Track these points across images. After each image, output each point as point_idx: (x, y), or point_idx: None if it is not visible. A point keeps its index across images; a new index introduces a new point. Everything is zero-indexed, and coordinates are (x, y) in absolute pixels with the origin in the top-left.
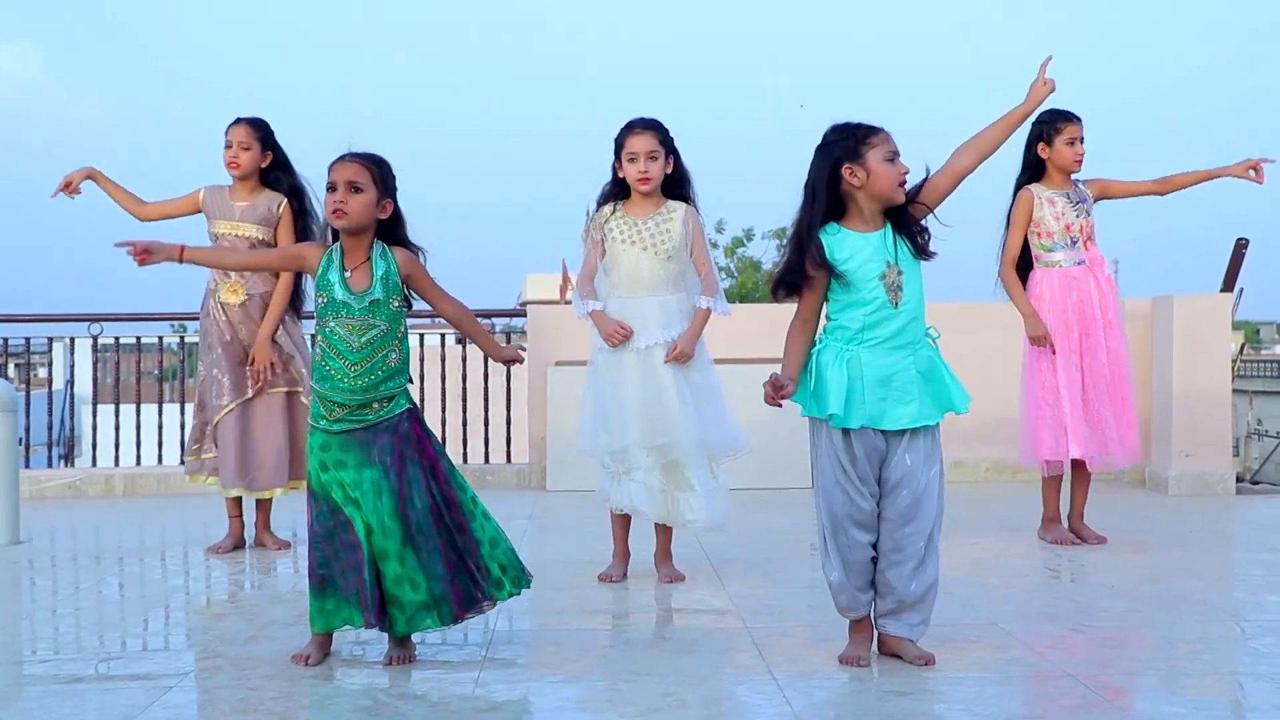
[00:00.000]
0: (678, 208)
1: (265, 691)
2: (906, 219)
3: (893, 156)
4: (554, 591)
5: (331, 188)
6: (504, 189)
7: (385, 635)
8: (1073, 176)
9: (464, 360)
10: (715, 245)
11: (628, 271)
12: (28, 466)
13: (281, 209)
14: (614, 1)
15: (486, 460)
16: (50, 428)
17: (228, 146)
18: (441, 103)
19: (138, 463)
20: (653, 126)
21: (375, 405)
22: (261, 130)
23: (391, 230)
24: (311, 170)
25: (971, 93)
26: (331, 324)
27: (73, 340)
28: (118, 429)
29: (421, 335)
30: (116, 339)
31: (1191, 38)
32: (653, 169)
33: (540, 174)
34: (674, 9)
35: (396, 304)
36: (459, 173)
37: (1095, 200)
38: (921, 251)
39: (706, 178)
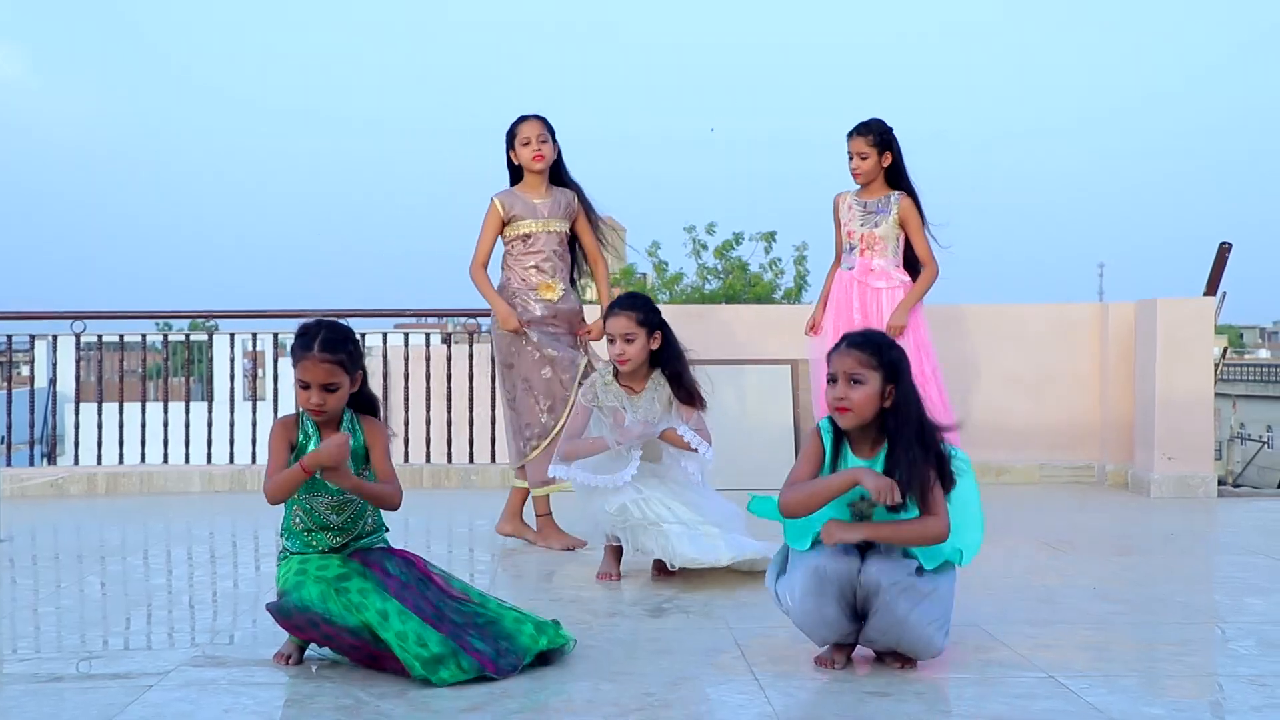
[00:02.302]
0: (665, 384)
1: (246, 690)
2: None
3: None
4: (536, 592)
5: (304, 385)
6: (494, 191)
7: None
8: (893, 190)
9: (449, 360)
10: (705, 247)
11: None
12: (9, 464)
13: (577, 203)
14: (611, 4)
15: (471, 460)
16: (32, 426)
17: (525, 143)
18: (433, 103)
19: (120, 461)
20: (630, 307)
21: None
22: (549, 125)
23: (360, 390)
24: (310, 168)
25: (971, 94)
26: (312, 502)
27: (55, 338)
28: (100, 427)
29: (406, 334)
30: (100, 337)
31: (1191, 40)
32: (628, 351)
33: None
34: (669, 12)
35: (365, 471)
36: (450, 174)
37: (902, 220)
38: None
39: (703, 180)
